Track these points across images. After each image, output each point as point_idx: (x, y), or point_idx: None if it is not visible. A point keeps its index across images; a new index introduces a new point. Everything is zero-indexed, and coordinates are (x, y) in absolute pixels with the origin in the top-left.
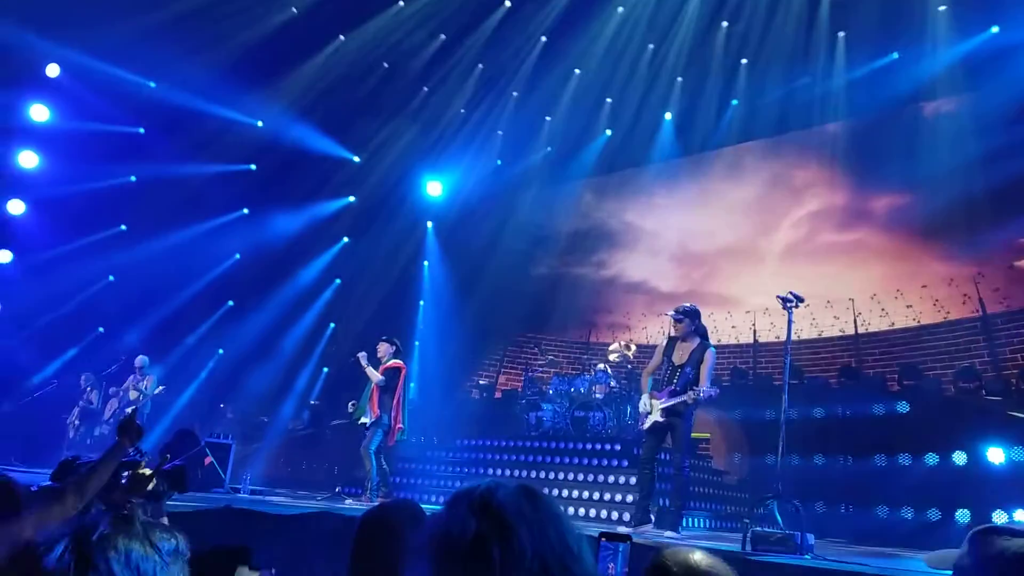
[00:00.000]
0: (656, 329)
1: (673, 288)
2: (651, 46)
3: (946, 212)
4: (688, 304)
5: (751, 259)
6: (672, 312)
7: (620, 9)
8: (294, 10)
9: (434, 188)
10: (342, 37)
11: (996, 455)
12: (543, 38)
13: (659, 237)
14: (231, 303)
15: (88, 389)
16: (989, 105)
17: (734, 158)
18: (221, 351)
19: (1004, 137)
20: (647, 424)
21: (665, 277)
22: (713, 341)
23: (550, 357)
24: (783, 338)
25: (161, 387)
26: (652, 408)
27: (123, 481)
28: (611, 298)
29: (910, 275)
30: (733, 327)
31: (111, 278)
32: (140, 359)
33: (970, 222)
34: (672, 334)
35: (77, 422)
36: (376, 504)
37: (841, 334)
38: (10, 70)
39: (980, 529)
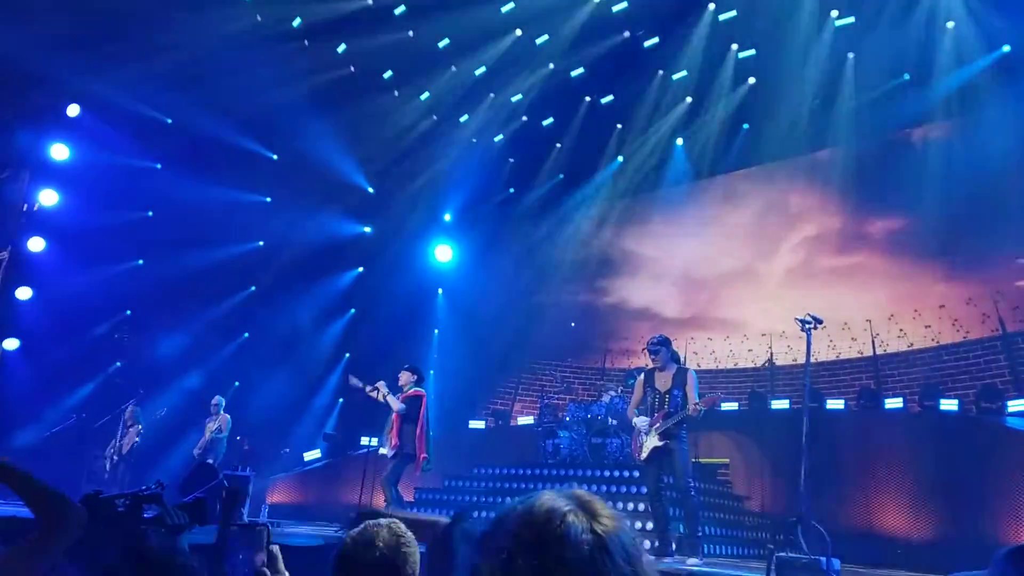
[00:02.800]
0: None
1: (678, 313)
2: (660, 72)
3: (947, 234)
4: (658, 335)
5: (753, 283)
6: (648, 346)
7: (626, 33)
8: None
9: (447, 216)
10: None
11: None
12: (551, 64)
13: (660, 264)
14: (247, 335)
15: (130, 424)
16: (995, 126)
17: (728, 186)
18: (237, 383)
19: (1009, 157)
20: (645, 453)
21: (669, 302)
22: (730, 365)
23: (565, 384)
24: (800, 361)
25: (218, 424)
26: (649, 435)
27: (146, 515)
28: (617, 324)
29: (913, 296)
30: (749, 350)
31: (128, 312)
32: (217, 399)
33: (973, 243)
34: (649, 366)
35: (116, 457)
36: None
37: (859, 355)
38: (34, 113)
39: (1009, 551)
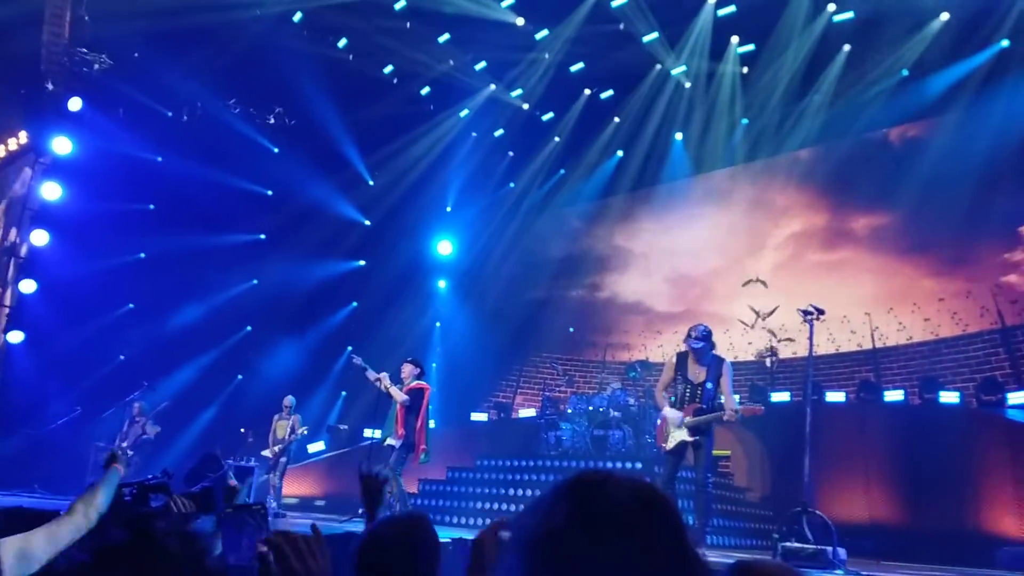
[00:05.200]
0: (656, 345)
1: (669, 307)
2: (659, 66)
3: (931, 229)
4: (703, 327)
5: (742, 279)
6: (690, 340)
7: (621, 26)
8: None
9: (448, 208)
10: None
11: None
12: (545, 54)
13: (649, 260)
14: (249, 328)
15: (139, 420)
16: (983, 121)
17: (712, 184)
18: (240, 376)
19: (996, 153)
20: (672, 444)
21: (660, 297)
22: (731, 358)
23: (567, 376)
24: (800, 354)
25: (305, 428)
26: (678, 426)
27: (152, 504)
28: (611, 319)
29: (899, 291)
30: (750, 343)
31: (131, 305)
32: (288, 398)
33: (957, 239)
34: (682, 349)
35: (131, 452)
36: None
37: (859, 348)
38: (36, 106)
39: None
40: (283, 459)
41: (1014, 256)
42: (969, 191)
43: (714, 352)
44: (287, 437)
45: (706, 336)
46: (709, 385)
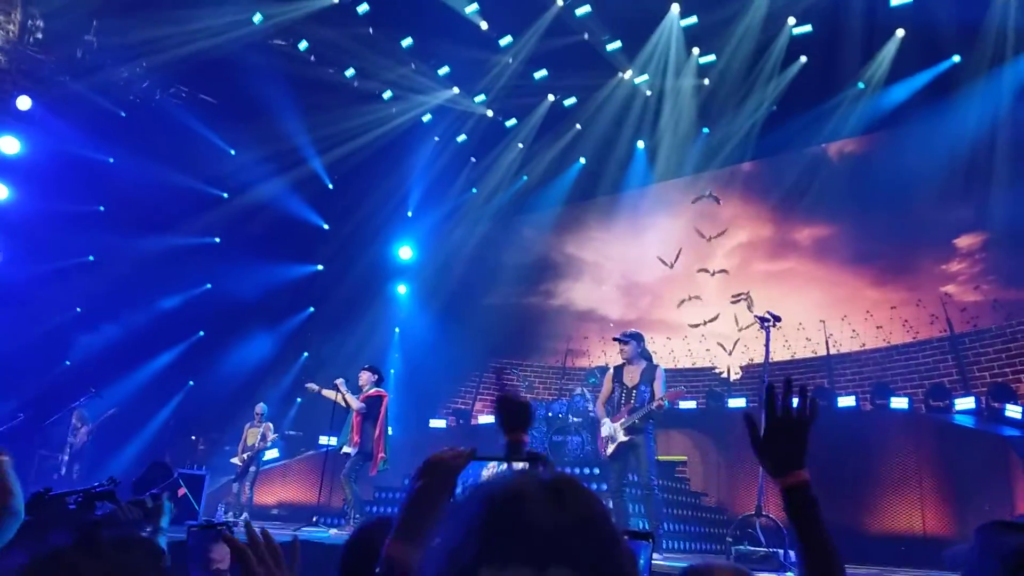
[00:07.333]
0: (615, 351)
1: (622, 315)
2: (621, 75)
3: (874, 240)
4: (631, 330)
5: (691, 288)
6: (619, 336)
7: (585, 36)
8: None
9: (409, 213)
10: None
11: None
12: (508, 60)
13: (601, 268)
14: (201, 333)
15: (79, 426)
16: (928, 138)
17: (664, 193)
18: (191, 382)
19: (936, 169)
20: (611, 449)
21: (612, 305)
22: (688, 364)
23: (527, 383)
24: (756, 360)
25: (276, 435)
26: (614, 431)
27: (98, 512)
28: (565, 326)
29: (842, 300)
30: (707, 350)
31: (79, 310)
32: (260, 406)
33: (897, 251)
34: (621, 359)
35: (66, 457)
36: (360, 526)
37: (813, 355)
38: None
39: (988, 523)
40: (253, 468)
41: (951, 267)
42: (908, 204)
43: (652, 361)
44: (258, 444)
45: (634, 336)
46: (643, 387)
